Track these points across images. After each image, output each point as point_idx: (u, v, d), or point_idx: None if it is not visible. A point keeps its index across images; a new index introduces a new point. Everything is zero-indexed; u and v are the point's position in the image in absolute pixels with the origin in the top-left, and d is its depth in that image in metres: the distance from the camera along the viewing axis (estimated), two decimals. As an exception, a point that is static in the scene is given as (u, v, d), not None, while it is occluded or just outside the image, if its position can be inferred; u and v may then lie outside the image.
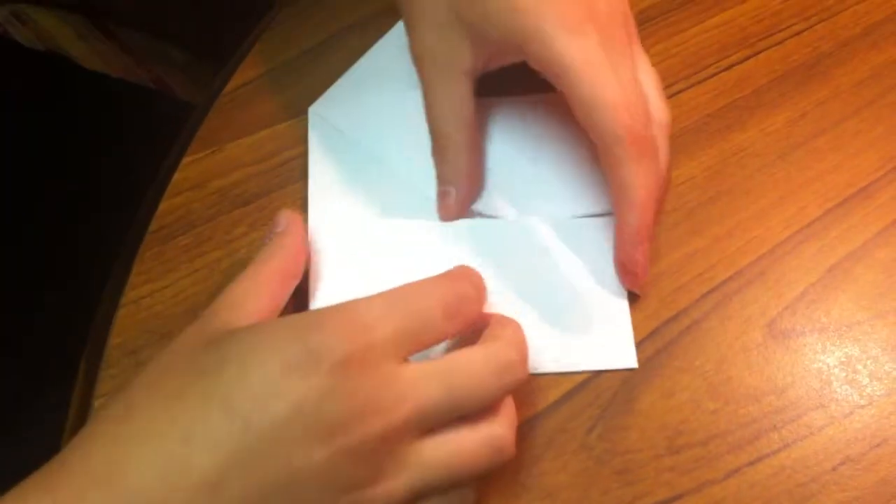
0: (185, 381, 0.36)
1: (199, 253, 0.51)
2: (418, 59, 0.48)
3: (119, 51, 0.85)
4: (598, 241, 0.49)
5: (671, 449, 0.44)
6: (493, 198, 0.50)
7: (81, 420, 0.46)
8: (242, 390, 0.35)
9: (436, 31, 0.46)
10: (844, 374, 0.46)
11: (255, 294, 0.41)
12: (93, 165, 0.73)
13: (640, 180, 0.43)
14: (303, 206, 0.51)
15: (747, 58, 0.56)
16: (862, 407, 0.46)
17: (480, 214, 0.50)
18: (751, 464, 0.44)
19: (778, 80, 0.55)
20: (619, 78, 0.43)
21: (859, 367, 0.47)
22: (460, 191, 0.49)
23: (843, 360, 0.47)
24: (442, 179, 0.49)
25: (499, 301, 0.47)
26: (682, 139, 0.53)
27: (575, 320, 0.47)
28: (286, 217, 0.46)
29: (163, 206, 0.52)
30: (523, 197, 0.50)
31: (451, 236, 0.49)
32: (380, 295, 0.38)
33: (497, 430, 0.38)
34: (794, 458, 0.44)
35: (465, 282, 0.40)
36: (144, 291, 0.49)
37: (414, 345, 0.38)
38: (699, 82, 0.55)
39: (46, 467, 0.35)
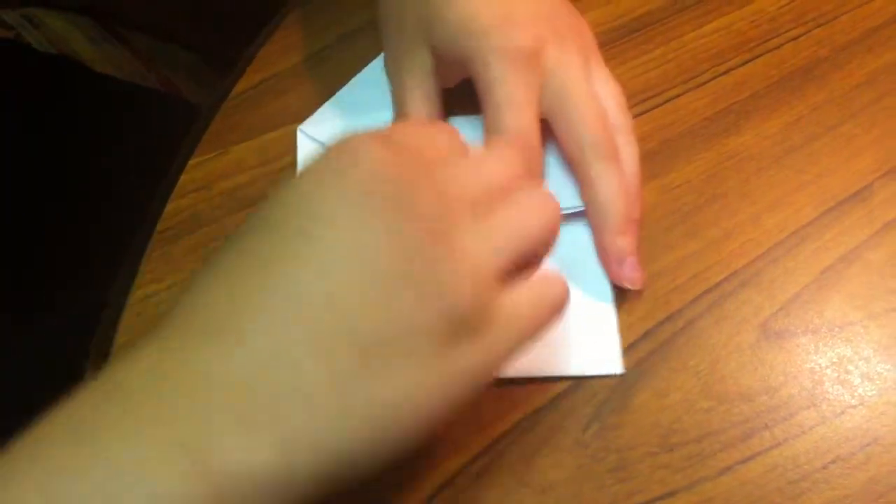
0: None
1: (206, 252, 0.52)
2: (390, 74, 0.52)
3: (128, 53, 0.86)
4: (584, 246, 0.50)
5: (665, 447, 0.45)
6: None
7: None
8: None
9: (404, 49, 0.50)
10: (836, 375, 0.47)
11: None
12: (101, 167, 0.74)
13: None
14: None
15: (744, 62, 0.57)
16: (853, 407, 0.46)
17: None
18: (743, 462, 0.45)
19: (775, 84, 0.56)
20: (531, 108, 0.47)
21: (851, 367, 0.47)
22: None
23: (835, 360, 0.47)
24: None
25: None
26: (679, 143, 0.54)
27: (561, 326, 0.47)
28: None
29: (169, 207, 0.53)
30: None
31: None
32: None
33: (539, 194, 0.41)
34: (786, 456, 0.45)
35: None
36: (151, 291, 0.50)
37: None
38: (696, 87, 0.56)
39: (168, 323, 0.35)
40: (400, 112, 0.51)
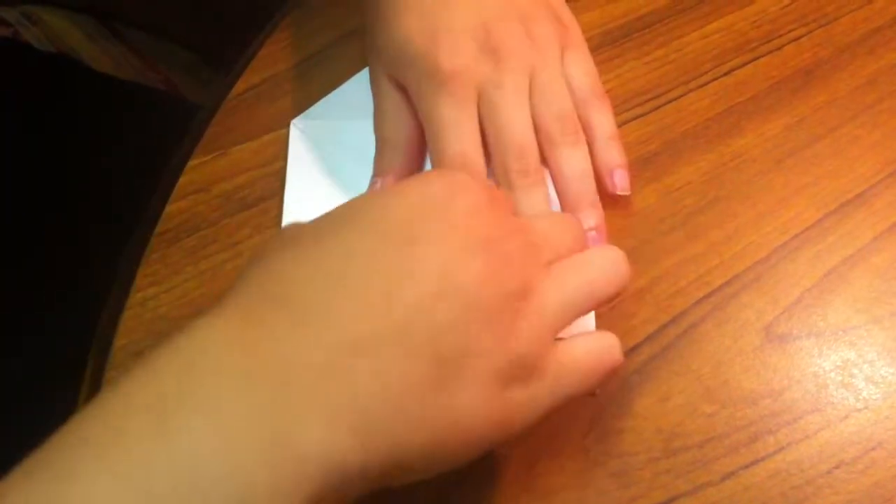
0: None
1: (204, 255, 0.51)
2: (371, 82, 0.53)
3: (128, 52, 0.86)
4: None
5: (667, 451, 0.45)
6: None
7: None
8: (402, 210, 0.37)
9: (373, 77, 0.52)
10: (840, 378, 0.47)
11: None
12: (100, 166, 0.74)
13: None
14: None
15: (746, 63, 0.57)
16: (858, 411, 0.46)
17: None
18: (746, 466, 0.45)
19: (776, 85, 0.56)
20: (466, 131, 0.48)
21: (855, 371, 0.47)
22: (386, 184, 0.51)
23: (839, 364, 0.47)
24: (379, 171, 0.52)
25: None
26: (681, 144, 0.54)
27: None
28: None
29: (168, 209, 0.53)
30: None
31: None
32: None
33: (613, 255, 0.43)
34: (790, 461, 0.45)
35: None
36: (150, 293, 0.50)
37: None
38: (698, 87, 0.56)
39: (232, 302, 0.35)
40: (378, 137, 0.52)
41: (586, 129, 0.51)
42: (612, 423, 0.46)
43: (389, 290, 0.35)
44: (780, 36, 0.58)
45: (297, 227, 0.38)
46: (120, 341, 0.49)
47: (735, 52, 0.57)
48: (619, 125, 0.54)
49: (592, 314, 0.47)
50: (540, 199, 0.48)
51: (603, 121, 0.51)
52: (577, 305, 0.40)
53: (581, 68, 0.52)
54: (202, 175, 0.54)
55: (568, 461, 0.45)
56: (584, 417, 0.46)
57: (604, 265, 0.42)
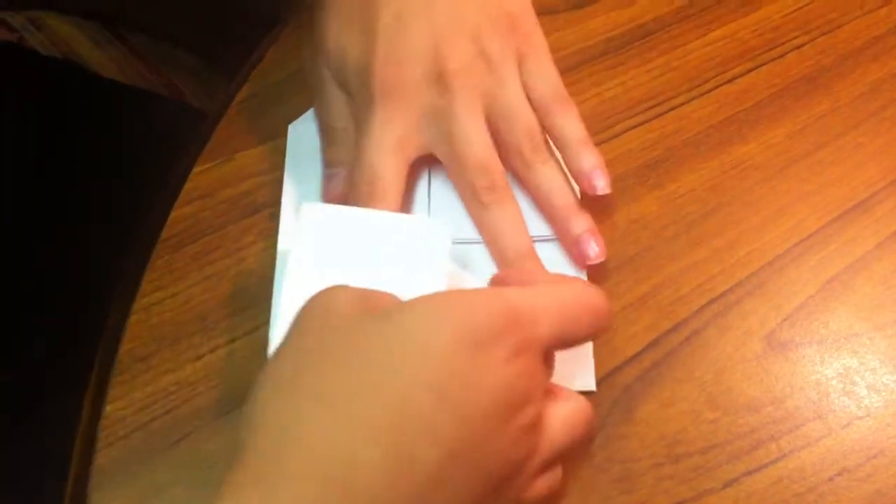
0: (375, 361, 0.36)
1: (209, 261, 0.51)
2: (310, 71, 0.53)
3: (132, 56, 0.86)
4: (558, 270, 0.50)
5: (670, 458, 0.45)
6: (463, 225, 0.51)
7: (92, 426, 0.47)
8: (450, 377, 0.36)
9: (316, 80, 0.53)
10: (842, 386, 0.47)
11: None
12: (104, 171, 0.74)
13: None
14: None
15: (749, 71, 0.57)
16: (859, 418, 0.46)
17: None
18: (749, 473, 0.45)
19: (779, 93, 0.56)
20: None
21: (857, 378, 0.47)
22: (341, 177, 0.51)
23: (841, 371, 0.47)
24: (329, 163, 0.52)
25: None
26: (684, 151, 0.54)
27: None
28: None
29: (173, 214, 0.53)
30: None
31: (418, 259, 0.46)
32: (541, 293, 0.41)
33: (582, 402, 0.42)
34: (792, 468, 0.45)
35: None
36: (155, 299, 0.50)
37: (560, 345, 0.41)
38: (701, 95, 0.56)
39: (238, 467, 0.35)
40: (324, 124, 0.53)
41: (554, 137, 0.50)
42: (615, 429, 0.46)
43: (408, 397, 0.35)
44: (783, 44, 0.58)
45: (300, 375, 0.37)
46: (125, 346, 0.49)
47: (738, 59, 0.57)
48: (622, 133, 0.55)
49: (590, 346, 0.48)
50: (512, 214, 0.49)
51: (570, 125, 0.50)
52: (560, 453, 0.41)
53: (540, 75, 0.51)
54: (207, 181, 0.54)
55: (571, 467, 0.45)
56: (587, 424, 0.46)
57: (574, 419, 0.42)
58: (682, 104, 0.56)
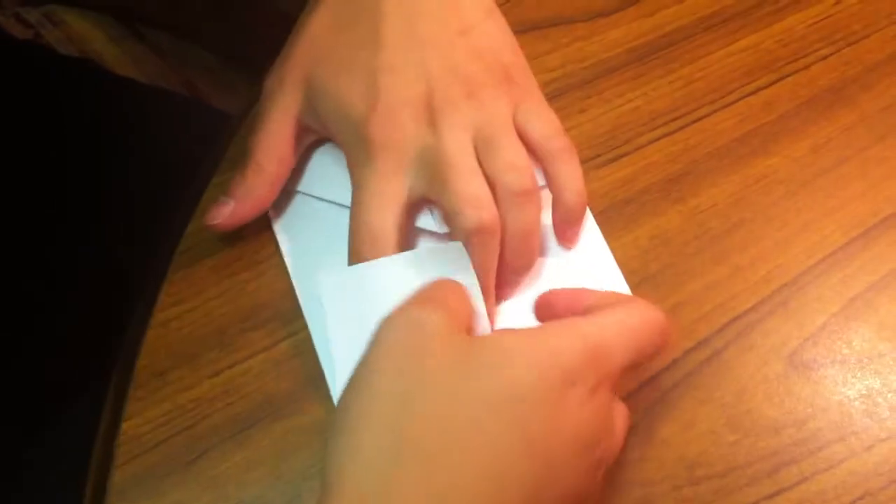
0: (474, 419, 0.38)
1: (228, 274, 0.51)
2: (263, 96, 0.52)
3: (149, 53, 0.86)
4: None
5: (690, 480, 0.45)
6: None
7: (109, 444, 0.47)
8: (539, 424, 0.38)
9: (277, 79, 0.51)
10: (865, 407, 0.47)
11: None
12: (121, 173, 0.74)
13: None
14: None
15: (773, 82, 0.56)
16: (882, 440, 0.46)
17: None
18: (769, 497, 0.44)
19: (803, 105, 0.55)
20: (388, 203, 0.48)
21: (880, 399, 0.47)
22: (240, 208, 0.51)
23: (863, 392, 0.47)
24: (231, 192, 0.51)
25: (504, 306, 0.49)
26: (706, 164, 0.53)
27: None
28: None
29: (191, 226, 0.53)
30: None
31: (431, 251, 0.48)
32: (611, 324, 0.41)
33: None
34: (814, 491, 0.44)
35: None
36: (172, 314, 0.50)
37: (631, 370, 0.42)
38: (724, 107, 0.55)
39: None
40: (251, 152, 0.51)
41: (552, 181, 0.49)
42: (635, 450, 0.46)
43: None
44: (808, 55, 0.57)
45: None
46: (142, 362, 0.49)
47: (762, 70, 0.56)
48: (645, 144, 0.54)
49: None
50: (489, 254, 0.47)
51: (569, 174, 0.49)
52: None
53: (539, 117, 0.49)
54: (226, 192, 0.53)
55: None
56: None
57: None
58: (706, 116, 0.55)
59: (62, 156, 0.72)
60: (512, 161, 0.47)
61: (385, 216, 0.47)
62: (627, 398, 0.47)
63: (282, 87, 0.51)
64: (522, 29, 0.55)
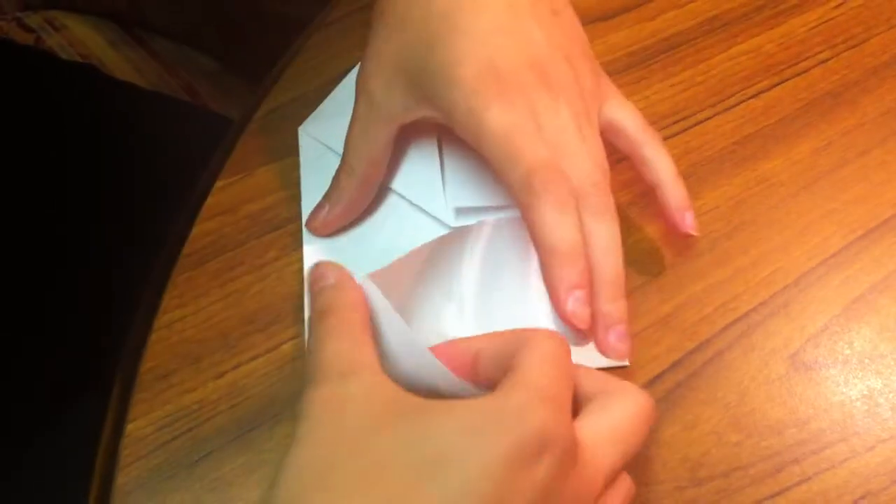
0: (402, 478, 0.34)
1: (231, 277, 0.51)
2: (359, 92, 0.50)
3: (150, 58, 0.86)
4: None
5: (693, 481, 0.45)
6: (475, 191, 0.51)
7: (113, 445, 0.47)
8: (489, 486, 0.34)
9: (380, 77, 0.49)
10: (867, 408, 0.47)
11: (362, 348, 0.40)
12: (124, 176, 0.74)
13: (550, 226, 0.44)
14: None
15: (774, 86, 0.56)
16: (884, 440, 0.46)
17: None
18: (772, 497, 0.44)
19: (804, 108, 0.56)
20: (541, 140, 0.45)
21: (881, 400, 0.47)
22: (332, 212, 0.51)
23: (865, 392, 0.47)
24: (326, 195, 0.52)
25: (498, 302, 0.48)
26: (707, 168, 0.54)
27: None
28: (333, 272, 0.44)
29: (195, 230, 0.53)
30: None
31: (443, 242, 0.48)
32: (597, 422, 0.40)
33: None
34: (816, 491, 0.45)
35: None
36: (176, 316, 0.50)
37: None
38: (725, 110, 0.56)
39: None
40: (345, 155, 0.51)
41: (648, 169, 0.49)
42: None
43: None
44: (808, 58, 0.57)
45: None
46: (146, 365, 0.49)
47: (762, 74, 0.57)
48: (645, 148, 0.54)
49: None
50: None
51: (665, 159, 0.49)
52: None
53: (628, 110, 0.50)
54: (229, 196, 0.54)
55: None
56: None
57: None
58: (706, 119, 0.55)
59: (63, 159, 0.73)
60: (592, 177, 0.46)
61: (541, 148, 0.46)
62: (630, 399, 0.47)
63: (388, 90, 0.49)
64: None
